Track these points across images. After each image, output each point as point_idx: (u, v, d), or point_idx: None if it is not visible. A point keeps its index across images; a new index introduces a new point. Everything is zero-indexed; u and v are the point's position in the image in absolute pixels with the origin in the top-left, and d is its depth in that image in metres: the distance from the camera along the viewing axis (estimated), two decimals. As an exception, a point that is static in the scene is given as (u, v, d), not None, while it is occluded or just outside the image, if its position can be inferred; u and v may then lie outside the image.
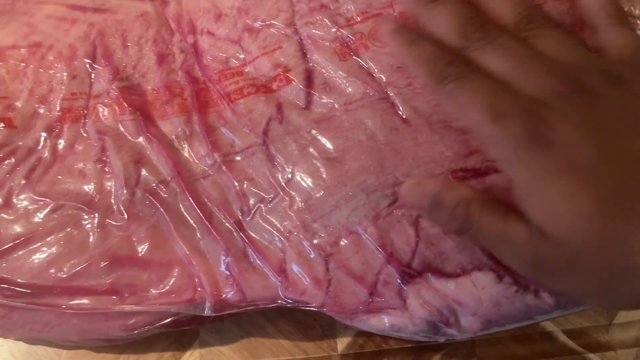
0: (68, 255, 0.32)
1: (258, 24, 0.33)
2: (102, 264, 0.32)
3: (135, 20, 0.36)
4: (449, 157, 0.29)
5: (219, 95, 0.33)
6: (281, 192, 0.31)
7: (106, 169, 0.33)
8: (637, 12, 0.29)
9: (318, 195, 0.30)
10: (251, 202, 0.32)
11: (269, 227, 0.31)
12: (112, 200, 0.32)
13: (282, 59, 0.32)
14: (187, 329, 0.35)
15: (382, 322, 0.29)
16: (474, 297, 0.28)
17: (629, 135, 0.22)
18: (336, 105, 0.31)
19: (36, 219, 0.32)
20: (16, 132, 0.34)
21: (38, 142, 0.34)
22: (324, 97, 0.31)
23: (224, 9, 0.35)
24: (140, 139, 0.33)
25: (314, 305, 0.30)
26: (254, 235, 0.31)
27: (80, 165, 0.33)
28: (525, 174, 0.22)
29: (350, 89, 0.31)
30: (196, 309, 0.31)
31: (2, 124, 0.34)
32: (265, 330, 0.37)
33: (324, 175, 0.30)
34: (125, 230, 0.32)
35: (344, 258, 0.29)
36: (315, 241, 0.30)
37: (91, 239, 0.32)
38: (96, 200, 0.33)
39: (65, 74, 0.35)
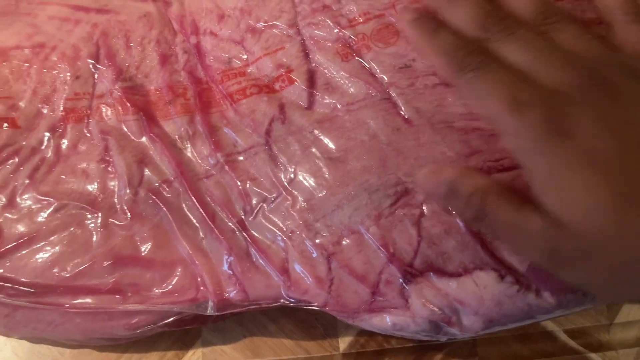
0: (71, 255, 0.32)
1: (261, 24, 0.34)
2: (106, 264, 0.32)
3: (138, 21, 0.36)
4: (450, 157, 0.29)
5: (222, 96, 0.34)
6: (284, 192, 0.31)
7: (109, 169, 0.33)
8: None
9: (320, 195, 0.30)
10: (254, 201, 0.32)
11: (271, 227, 0.31)
12: (116, 200, 0.33)
13: (285, 60, 0.33)
14: (190, 328, 0.35)
15: (384, 322, 0.29)
16: (475, 296, 0.28)
17: None
18: (338, 106, 0.31)
19: (40, 219, 0.33)
20: (20, 132, 0.34)
21: (41, 142, 0.34)
22: (326, 97, 0.32)
23: (226, 9, 0.35)
24: (144, 139, 0.33)
25: (316, 304, 0.30)
26: (256, 235, 0.32)
27: (84, 165, 0.33)
28: (543, 165, 0.22)
29: (352, 90, 0.31)
30: (199, 308, 0.31)
31: (5, 124, 0.34)
32: (268, 329, 0.37)
33: (327, 175, 0.30)
34: (129, 229, 0.32)
35: (346, 257, 0.30)
36: (317, 241, 0.30)
37: (94, 239, 0.32)
38: (99, 199, 0.33)
39: (68, 74, 0.35)
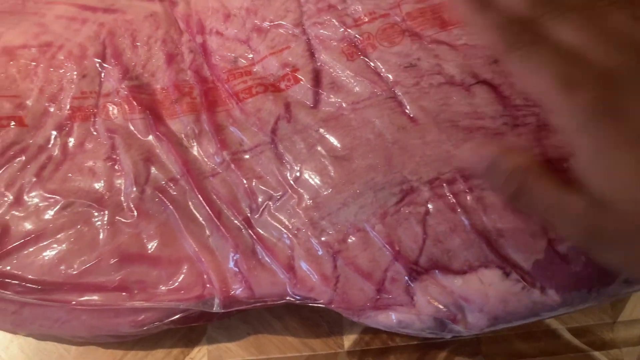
0: (78, 252, 0.32)
1: (266, 24, 0.34)
2: (112, 261, 0.32)
3: (145, 21, 0.36)
4: (456, 156, 0.29)
5: (228, 95, 0.34)
6: (289, 190, 0.31)
7: (116, 167, 0.33)
8: None
9: (326, 193, 0.31)
10: (260, 199, 0.32)
11: (277, 225, 0.31)
12: (122, 198, 0.33)
13: (290, 59, 0.33)
14: (195, 325, 0.35)
15: (390, 319, 0.30)
16: (480, 293, 0.28)
17: None
18: (344, 105, 0.31)
19: (47, 216, 0.33)
20: (27, 130, 0.34)
21: (48, 141, 0.34)
22: (331, 96, 0.32)
23: (232, 9, 0.35)
24: (150, 138, 0.33)
25: (322, 301, 0.31)
26: (262, 233, 0.32)
27: (90, 163, 0.34)
28: (591, 144, 0.22)
29: (357, 88, 0.31)
30: (205, 305, 0.31)
31: (13, 123, 0.34)
32: (273, 327, 0.37)
33: (332, 174, 0.31)
34: (135, 227, 0.32)
35: (351, 255, 0.30)
36: (323, 238, 0.30)
37: (101, 236, 0.32)
38: (106, 197, 0.33)
39: (75, 73, 0.35)
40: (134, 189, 0.33)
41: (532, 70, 0.23)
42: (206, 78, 0.35)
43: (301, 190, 0.31)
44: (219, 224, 0.32)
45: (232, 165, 0.32)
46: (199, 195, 0.32)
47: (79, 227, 0.33)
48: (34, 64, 0.35)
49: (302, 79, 0.32)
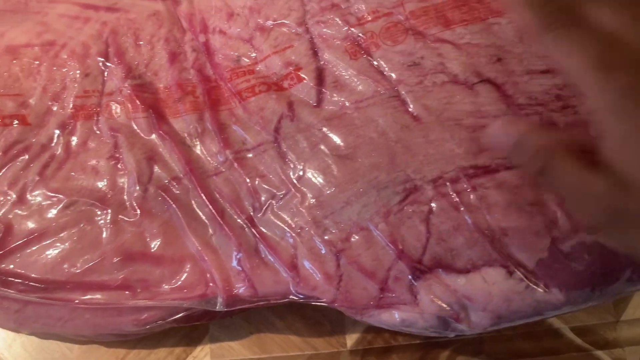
0: (81, 251, 0.32)
1: (270, 23, 0.34)
2: (115, 260, 0.32)
3: (148, 20, 0.36)
4: (459, 155, 0.29)
5: (231, 94, 0.34)
6: (292, 189, 0.31)
7: (119, 166, 0.33)
8: None
9: (329, 191, 0.31)
10: (263, 198, 0.32)
11: (280, 223, 0.31)
12: (125, 197, 0.33)
13: (293, 58, 0.33)
14: (198, 324, 0.35)
15: (393, 317, 0.30)
16: (484, 292, 0.28)
17: None
18: (347, 103, 0.31)
19: (49, 215, 0.33)
20: (30, 129, 0.34)
21: (51, 139, 0.34)
22: (334, 95, 0.32)
23: (236, 8, 0.35)
24: (153, 136, 0.33)
25: (325, 300, 0.31)
26: (265, 231, 0.32)
27: (93, 162, 0.34)
28: (623, 127, 0.23)
29: (361, 87, 0.31)
30: (208, 304, 0.31)
31: (16, 121, 0.34)
32: (275, 326, 0.37)
33: (335, 172, 0.31)
34: (138, 226, 0.32)
35: (355, 254, 0.30)
36: (326, 237, 0.30)
37: (104, 235, 0.32)
38: (109, 196, 0.33)
39: (78, 72, 0.35)
40: (137, 187, 0.33)
41: (568, 51, 0.24)
42: (209, 77, 0.35)
43: (304, 189, 0.31)
44: (222, 222, 0.32)
45: (235, 164, 0.32)
46: (202, 194, 0.32)
47: (81, 225, 0.33)
48: (37, 62, 0.35)
49: (305, 77, 0.32)
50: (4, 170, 0.33)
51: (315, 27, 0.33)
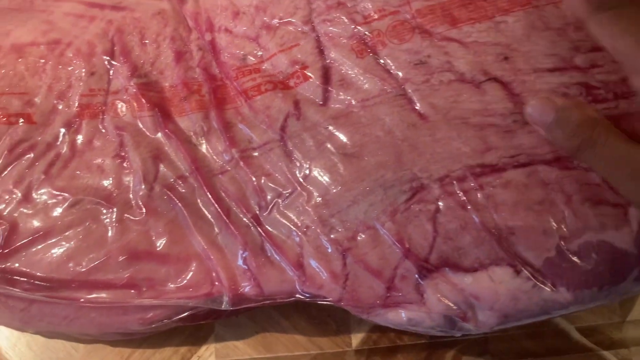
0: (86, 250, 0.32)
1: (275, 21, 0.34)
2: (121, 258, 0.32)
3: (153, 18, 0.36)
4: (466, 153, 0.29)
5: (237, 92, 0.34)
6: (298, 188, 0.31)
7: (124, 165, 0.33)
8: None
9: (335, 190, 0.30)
10: (269, 197, 0.32)
11: (286, 222, 0.31)
12: (131, 195, 0.33)
13: (300, 56, 0.33)
14: (203, 323, 0.35)
15: (400, 317, 0.29)
16: (491, 291, 0.28)
17: None
18: (353, 102, 0.31)
19: (55, 214, 0.33)
20: (35, 127, 0.34)
21: (57, 138, 0.34)
22: (341, 93, 0.32)
23: (241, 6, 0.35)
24: (159, 135, 0.33)
25: (331, 299, 0.30)
26: (271, 230, 0.32)
27: (99, 160, 0.34)
28: None
29: (367, 86, 0.31)
30: (214, 303, 0.31)
31: (21, 120, 0.34)
32: (280, 325, 0.37)
33: (342, 171, 0.31)
34: (144, 225, 0.32)
35: (361, 253, 0.30)
36: (332, 236, 0.30)
37: (109, 234, 0.32)
38: (114, 195, 0.33)
39: (83, 70, 0.35)
40: (143, 186, 0.33)
41: (618, 32, 0.24)
42: (215, 76, 0.35)
43: (310, 188, 0.31)
44: (227, 221, 0.32)
45: (241, 163, 0.32)
46: (208, 193, 0.32)
47: (87, 224, 0.33)
48: (43, 61, 0.35)
49: (312, 76, 0.32)
50: (9, 168, 0.33)
51: (321, 25, 0.33)
